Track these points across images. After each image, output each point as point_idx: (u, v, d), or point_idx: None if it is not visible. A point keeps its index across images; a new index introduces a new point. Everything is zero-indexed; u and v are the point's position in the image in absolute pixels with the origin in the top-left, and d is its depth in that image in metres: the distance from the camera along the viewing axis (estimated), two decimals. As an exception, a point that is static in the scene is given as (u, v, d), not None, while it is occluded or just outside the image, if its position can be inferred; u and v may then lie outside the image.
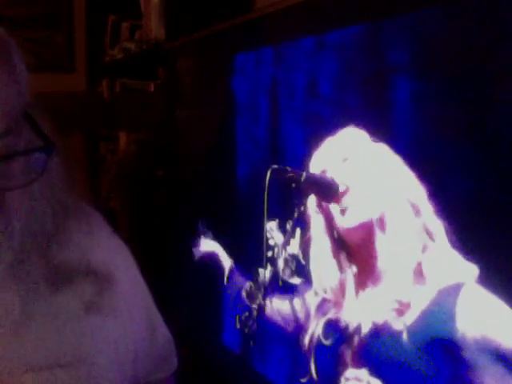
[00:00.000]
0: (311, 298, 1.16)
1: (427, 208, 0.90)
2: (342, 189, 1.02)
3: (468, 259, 0.82)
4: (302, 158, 1.12)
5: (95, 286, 0.72)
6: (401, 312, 0.94)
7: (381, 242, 0.99)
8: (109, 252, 0.78)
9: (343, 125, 1.03)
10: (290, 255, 1.19)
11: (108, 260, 0.77)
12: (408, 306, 0.93)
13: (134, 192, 2.31)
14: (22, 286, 0.65)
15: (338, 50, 1.08)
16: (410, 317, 0.92)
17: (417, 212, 0.92)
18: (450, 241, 0.85)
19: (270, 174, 1.14)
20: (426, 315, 0.90)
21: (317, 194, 1.09)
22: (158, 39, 2.06)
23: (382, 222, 0.98)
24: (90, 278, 0.72)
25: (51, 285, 0.68)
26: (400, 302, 0.94)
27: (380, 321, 0.98)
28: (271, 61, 1.28)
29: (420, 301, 0.91)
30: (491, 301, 0.80)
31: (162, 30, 2.04)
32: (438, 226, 0.88)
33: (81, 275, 0.71)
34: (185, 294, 1.74)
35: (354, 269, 1.07)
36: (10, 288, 0.65)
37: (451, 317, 0.85)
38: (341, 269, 1.09)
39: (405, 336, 0.92)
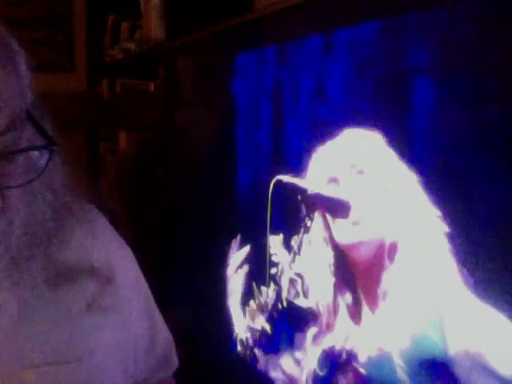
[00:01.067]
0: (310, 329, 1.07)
1: (449, 253, 0.81)
2: (353, 203, 0.94)
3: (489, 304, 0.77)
4: (308, 167, 1.04)
5: (96, 284, 0.72)
6: (393, 334, 0.89)
7: (387, 271, 0.91)
8: (110, 251, 0.79)
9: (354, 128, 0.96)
10: (295, 274, 1.09)
11: (109, 259, 0.77)
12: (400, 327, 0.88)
13: (134, 192, 2.31)
14: (20, 284, 0.65)
15: (346, 50, 1.03)
16: (403, 339, 0.87)
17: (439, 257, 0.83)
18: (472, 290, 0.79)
19: (274, 184, 1.05)
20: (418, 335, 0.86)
21: (325, 209, 1.00)
22: (158, 39, 2.06)
23: (392, 251, 0.90)
24: (91, 276, 0.72)
25: (52, 283, 0.68)
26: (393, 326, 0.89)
27: (375, 346, 0.92)
28: (273, 61, 1.27)
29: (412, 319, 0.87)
30: (483, 309, 0.77)
31: (162, 30, 2.04)
32: (457, 274, 0.80)
33: (82, 274, 0.71)
34: (185, 293, 1.74)
35: (351, 289, 1.00)
36: (7, 287, 0.65)
37: (443, 332, 0.82)
38: (338, 286, 1.01)
39: (401, 360, 0.87)
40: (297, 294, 1.10)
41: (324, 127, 1.05)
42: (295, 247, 1.07)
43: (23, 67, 0.62)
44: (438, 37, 0.85)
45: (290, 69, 1.21)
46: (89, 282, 0.72)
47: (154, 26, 2.11)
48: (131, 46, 2.39)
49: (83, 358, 0.69)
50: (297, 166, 1.12)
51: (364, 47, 1.00)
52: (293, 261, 1.10)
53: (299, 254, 1.08)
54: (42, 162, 0.60)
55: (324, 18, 1.10)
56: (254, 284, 1.25)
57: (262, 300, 1.18)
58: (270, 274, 1.15)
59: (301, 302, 1.10)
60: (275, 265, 1.14)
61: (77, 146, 2.81)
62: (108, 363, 0.72)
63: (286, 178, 1.04)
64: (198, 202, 1.69)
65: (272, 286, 1.15)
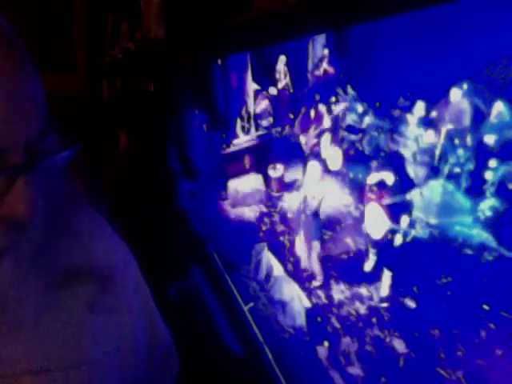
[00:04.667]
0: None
1: None
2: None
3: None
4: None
5: (97, 286, 0.72)
6: None
7: None
8: (111, 252, 0.78)
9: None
10: None
11: (110, 260, 0.77)
12: None
13: (133, 191, 2.31)
14: (40, 284, 0.66)
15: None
16: None
17: None
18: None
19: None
20: None
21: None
22: (158, 39, 2.06)
23: None
24: (92, 278, 0.72)
25: (54, 286, 0.68)
26: None
27: None
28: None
29: None
30: None
31: (162, 30, 2.04)
32: None
33: (84, 275, 0.71)
34: (185, 294, 1.74)
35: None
36: (29, 286, 0.65)
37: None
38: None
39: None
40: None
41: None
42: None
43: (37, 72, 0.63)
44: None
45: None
46: (90, 283, 0.71)
47: (154, 26, 2.11)
48: (131, 46, 2.39)
49: (84, 361, 0.68)
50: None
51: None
52: None
53: None
54: (62, 161, 0.60)
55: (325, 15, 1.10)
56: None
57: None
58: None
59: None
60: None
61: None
62: (109, 366, 0.72)
63: None
64: (196, 200, 1.69)
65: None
